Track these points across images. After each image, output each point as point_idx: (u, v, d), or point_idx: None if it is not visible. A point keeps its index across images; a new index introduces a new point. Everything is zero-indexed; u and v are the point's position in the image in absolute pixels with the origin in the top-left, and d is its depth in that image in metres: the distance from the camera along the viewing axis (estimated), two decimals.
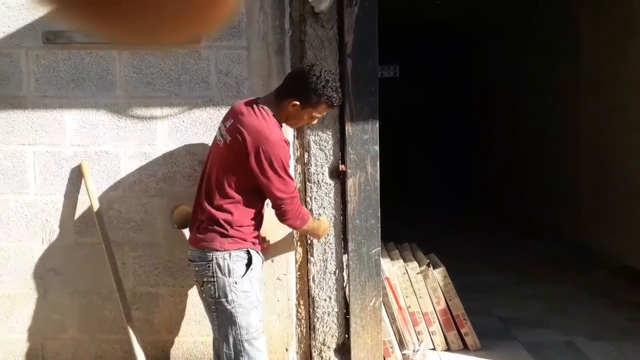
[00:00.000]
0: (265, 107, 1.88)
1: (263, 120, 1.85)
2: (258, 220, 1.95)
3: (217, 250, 1.84)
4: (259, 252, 1.96)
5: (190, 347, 2.37)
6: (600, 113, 4.71)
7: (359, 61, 2.32)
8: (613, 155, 4.56)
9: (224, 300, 1.84)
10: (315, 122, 2.05)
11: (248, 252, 1.89)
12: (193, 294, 2.32)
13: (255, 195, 1.90)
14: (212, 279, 1.85)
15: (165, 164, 2.31)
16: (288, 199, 1.87)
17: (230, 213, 1.85)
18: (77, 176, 2.32)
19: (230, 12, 0.42)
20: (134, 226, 2.33)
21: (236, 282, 1.84)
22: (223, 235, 1.85)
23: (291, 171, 2.13)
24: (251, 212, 1.90)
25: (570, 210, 5.26)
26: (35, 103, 2.31)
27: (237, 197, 1.86)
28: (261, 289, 2.00)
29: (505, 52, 6.61)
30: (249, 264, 1.88)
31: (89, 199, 2.27)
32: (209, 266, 1.84)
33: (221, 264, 1.84)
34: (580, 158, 5.08)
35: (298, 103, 1.87)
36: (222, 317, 1.87)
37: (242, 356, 1.85)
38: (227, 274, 1.84)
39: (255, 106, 1.88)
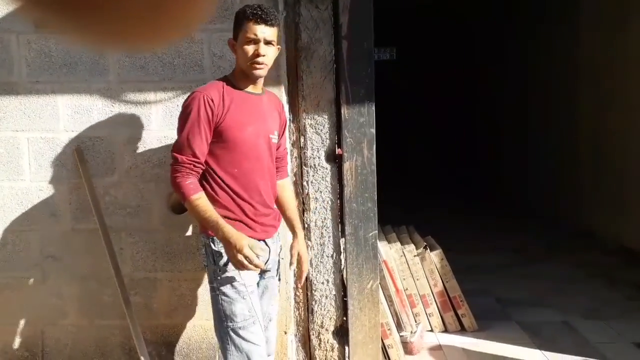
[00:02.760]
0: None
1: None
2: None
3: (207, 236, 1.79)
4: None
5: (190, 332, 2.38)
6: (599, 97, 4.69)
7: (354, 43, 2.29)
8: (611, 138, 4.55)
9: (212, 286, 1.80)
10: (261, 50, 1.77)
11: None
12: (191, 279, 2.33)
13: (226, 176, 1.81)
14: (206, 265, 1.83)
15: (160, 149, 2.30)
16: (173, 157, 1.73)
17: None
18: (72, 162, 2.31)
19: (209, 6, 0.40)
20: (131, 212, 2.33)
21: (219, 270, 1.77)
22: None
23: (287, 157, 2.11)
24: (231, 192, 1.79)
25: (569, 192, 5.27)
26: (28, 89, 2.28)
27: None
28: (253, 276, 1.81)
29: (511, 39, 6.54)
30: None
31: (84, 185, 2.26)
32: (204, 251, 1.83)
33: (208, 249, 1.79)
34: (579, 141, 5.07)
35: (232, 38, 1.82)
36: (213, 302, 1.82)
37: (228, 344, 1.77)
38: (212, 261, 1.78)
39: None
